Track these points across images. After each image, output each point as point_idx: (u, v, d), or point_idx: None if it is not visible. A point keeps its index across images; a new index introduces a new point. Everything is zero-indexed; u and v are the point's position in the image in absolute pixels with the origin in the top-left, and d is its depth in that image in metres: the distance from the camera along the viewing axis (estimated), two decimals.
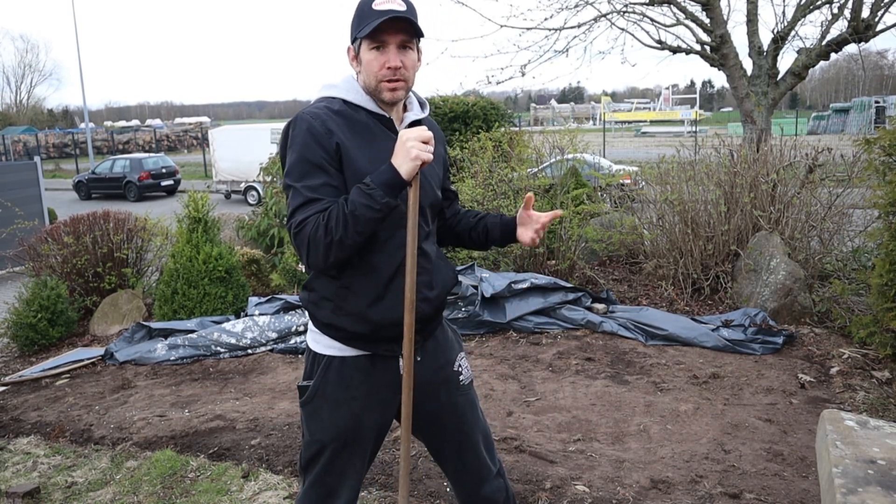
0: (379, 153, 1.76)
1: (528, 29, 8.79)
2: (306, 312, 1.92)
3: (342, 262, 1.74)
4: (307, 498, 1.94)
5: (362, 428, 1.88)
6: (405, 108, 1.93)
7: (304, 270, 6.44)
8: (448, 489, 2.91)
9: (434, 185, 1.92)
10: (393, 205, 1.68)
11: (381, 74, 1.78)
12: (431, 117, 2.03)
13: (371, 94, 1.83)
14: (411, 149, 1.67)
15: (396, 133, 1.78)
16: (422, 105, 1.98)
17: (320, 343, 1.88)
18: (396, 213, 1.75)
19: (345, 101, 1.83)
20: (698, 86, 58.42)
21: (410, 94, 1.95)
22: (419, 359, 1.91)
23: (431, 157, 1.69)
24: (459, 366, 2.03)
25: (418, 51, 1.86)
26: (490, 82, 8.89)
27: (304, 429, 1.92)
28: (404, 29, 1.76)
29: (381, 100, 1.83)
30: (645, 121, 43.59)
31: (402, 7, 1.76)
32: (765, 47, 8.28)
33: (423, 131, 1.71)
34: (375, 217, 1.67)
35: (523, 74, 8.89)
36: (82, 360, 5.21)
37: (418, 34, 1.81)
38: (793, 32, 8.22)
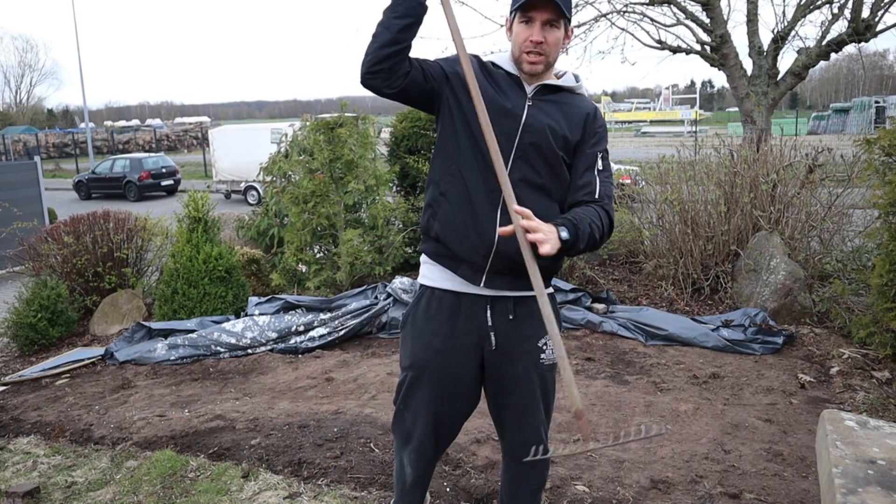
0: (494, 98, 1.95)
1: None
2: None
3: (386, 69, 1.88)
4: (393, 429, 2.21)
5: (437, 365, 2.04)
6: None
7: (303, 270, 6.44)
8: (448, 489, 2.91)
9: (550, 136, 1.97)
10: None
11: (524, 46, 1.95)
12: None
13: (515, 62, 2.00)
14: None
15: (524, 91, 2.00)
16: (576, 78, 2.10)
17: (422, 273, 2.11)
18: (503, 133, 1.92)
19: (493, 62, 2.05)
20: (698, 86, 58.44)
21: (568, 72, 2.11)
22: (511, 317, 2.03)
23: None
24: (545, 344, 2.09)
25: (566, 30, 2.01)
26: None
27: (400, 357, 2.16)
28: (552, 8, 1.91)
29: (521, 70, 2.00)
30: (645, 121, 43.61)
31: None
32: (765, 47, 8.28)
33: None
34: (394, 13, 1.87)
35: None
36: (82, 360, 5.21)
37: (566, 15, 1.95)
38: (793, 32, 8.23)
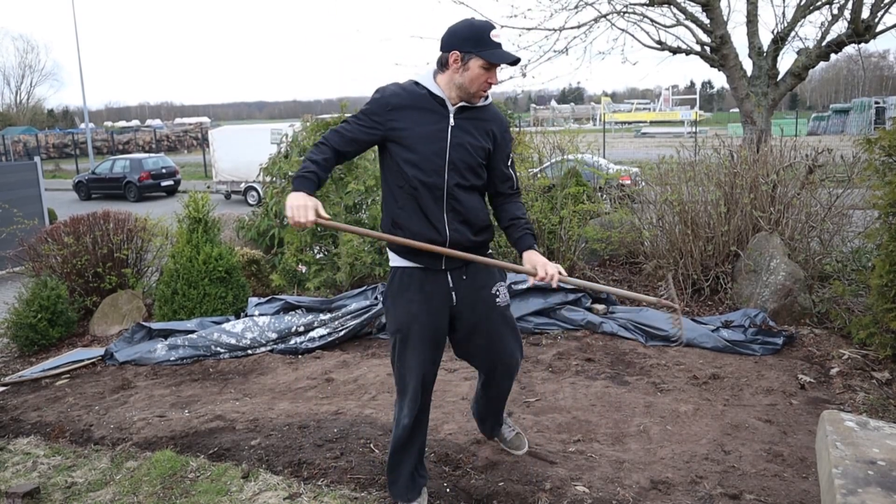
0: (425, 126, 2.43)
1: (528, 29, 8.80)
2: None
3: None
4: (396, 385, 2.68)
5: (417, 325, 2.54)
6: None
7: (303, 271, 6.44)
8: (448, 489, 2.91)
9: (473, 152, 2.48)
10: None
11: (482, 86, 2.42)
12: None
13: (461, 91, 2.43)
14: (292, 208, 2.33)
15: (447, 111, 2.45)
16: (486, 98, 2.55)
17: (392, 259, 2.59)
18: (432, 164, 2.43)
19: (415, 81, 2.47)
20: (698, 86, 58.44)
21: None
22: (464, 277, 2.59)
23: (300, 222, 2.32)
24: (497, 290, 2.66)
25: None
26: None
27: (387, 327, 2.71)
28: (509, 62, 2.41)
29: (471, 99, 2.45)
30: (645, 121, 43.60)
31: (514, 55, 2.39)
32: (765, 48, 8.28)
33: (294, 211, 2.32)
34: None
35: (524, 75, 8.90)
36: (82, 361, 5.21)
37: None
38: (793, 33, 8.23)
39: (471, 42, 2.36)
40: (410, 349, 2.57)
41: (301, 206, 2.30)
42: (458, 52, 2.38)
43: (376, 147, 2.57)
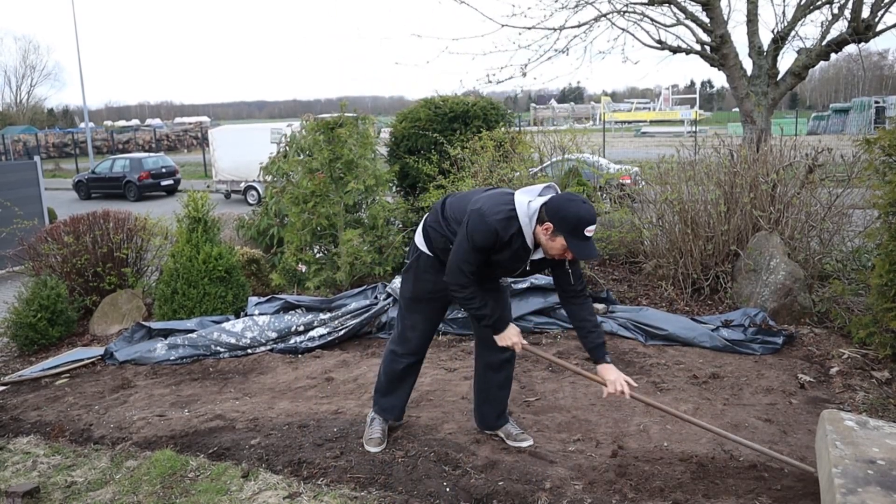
0: (504, 256, 2.90)
1: (528, 28, 8.78)
2: (422, 230, 3.16)
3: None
4: (395, 333, 3.33)
5: (427, 296, 3.16)
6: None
7: (303, 270, 6.44)
8: (448, 489, 2.91)
9: (532, 273, 3.07)
10: (485, 324, 3.04)
11: (559, 255, 2.81)
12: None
13: (543, 247, 2.85)
14: (511, 338, 3.02)
15: (528, 255, 2.90)
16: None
17: (419, 243, 3.15)
18: (497, 273, 3.04)
19: (522, 232, 2.83)
20: (698, 86, 58.38)
21: None
22: None
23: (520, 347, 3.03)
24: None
25: None
26: (490, 81, 8.87)
27: (401, 290, 3.29)
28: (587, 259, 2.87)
29: (544, 251, 2.86)
30: (645, 121, 43.54)
31: (597, 252, 2.78)
32: (765, 47, 8.27)
33: (515, 337, 3.04)
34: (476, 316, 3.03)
35: (524, 75, 8.88)
36: (82, 360, 5.21)
37: None
38: (793, 32, 8.21)
39: (568, 227, 2.70)
40: (420, 310, 3.19)
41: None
42: (551, 225, 2.74)
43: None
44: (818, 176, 5.72)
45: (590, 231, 2.69)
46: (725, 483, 2.90)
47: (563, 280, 2.98)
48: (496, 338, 3.01)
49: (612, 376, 2.92)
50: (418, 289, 3.15)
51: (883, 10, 7.60)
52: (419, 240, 3.14)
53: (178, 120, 68.92)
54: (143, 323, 5.46)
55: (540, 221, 2.78)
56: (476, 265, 2.86)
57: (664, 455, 3.17)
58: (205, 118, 69.67)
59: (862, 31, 7.63)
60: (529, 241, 2.82)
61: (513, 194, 2.88)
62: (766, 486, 2.86)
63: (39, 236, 6.81)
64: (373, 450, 3.26)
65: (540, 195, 2.85)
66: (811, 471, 2.74)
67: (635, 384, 2.92)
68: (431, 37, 9.73)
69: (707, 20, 8.24)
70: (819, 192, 5.73)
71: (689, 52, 8.63)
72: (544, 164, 7.25)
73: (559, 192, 2.88)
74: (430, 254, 3.09)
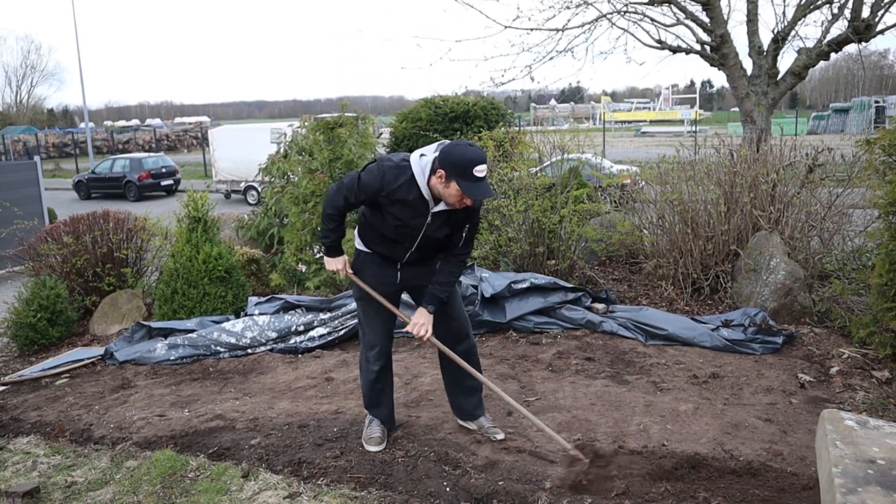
0: (405, 212, 2.97)
1: (531, 30, 8.79)
2: (357, 231, 3.29)
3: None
4: (362, 342, 3.38)
5: (378, 292, 3.20)
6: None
7: (303, 271, 6.44)
8: (448, 489, 2.91)
9: (440, 235, 3.07)
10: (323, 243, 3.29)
11: (459, 202, 2.89)
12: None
13: (440, 197, 2.92)
14: (335, 265, 3.27)
15: (428, 208, 2.97)
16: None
17: (358, 244, 3.27)
18: (408, 233, 3.05)
19: (412, 176, 2.91)
20: (698, 86, 58.37)
21: None
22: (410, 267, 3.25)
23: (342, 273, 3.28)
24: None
25: None
26: (494, 83, 8.89)
27: (353, 293, 3.42)
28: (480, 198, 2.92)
29: (446, 201, 2.93)
30: (645, 121, 43.53)
31: (490, 191, 2.90)
32: (765, 47, 8.28)
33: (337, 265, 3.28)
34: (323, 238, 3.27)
35: (532, 79, 8.90)
36: (82, 360, 5.21)
37: None
38: (793, 32, 8.22)
39: (458, 170, 2.79)
40: (372, 310, 3.29)
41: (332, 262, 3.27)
42: (443, 172, 2.82)
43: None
44: (818, 176, 5.71)
45: (479, 171, 2.78)
46: (725, 481, 2.90)
47: (455, 241, 3.11)
48: (325, 259, 3.27)
49: (420, 319, 3.12)
50: (365, 286, 3.25)
51: (883, 9, 7.60)
52: (356, 241, 3.28)
53: (178, 120, 68.88)
54: (143, 323, 5.46)
55: (433, 171, 2.87)
56: (354, 202, 3.01)
57: (664, 454, 3.16)
58: (205, 118, 69.63)
59: (862, 30, 7.64)
60: (425, 191, 2.91)
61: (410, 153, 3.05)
62: (765, 484, 2.86)
63: (39, 236, 6.81)
64: (373, 449, 3.27)
65: (435, 152, 2.93)
66: (567, 446, 3.06)
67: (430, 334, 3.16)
68: (434, 39, 9.76)
69: (707, 20, 8.24)
70: (819, 191, 5.73)
71: (689, 51, 8.63)
72: (544, 164, 7.25)
73: None
74: (366, 250, 3.23)
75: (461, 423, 3.48)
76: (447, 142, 2.97)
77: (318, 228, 6.30)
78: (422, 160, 2.92)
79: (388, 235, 3.08)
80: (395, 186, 2.89)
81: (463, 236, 3.10)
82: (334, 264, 3.23)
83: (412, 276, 3.25)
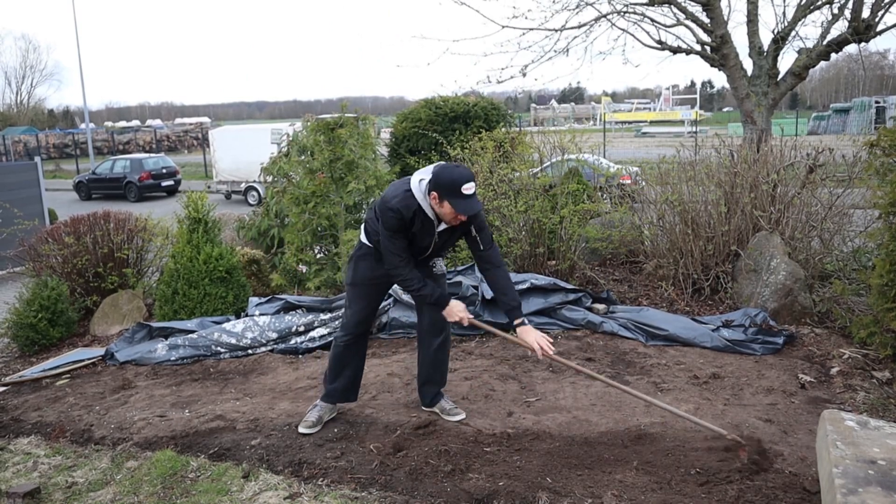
0: (419, 234, 3.26)
1: (529, 30, 8.79)
2: (363, 226, 3.49)
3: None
4: (342, 323, 3.65)
5: (365, 281, 3.47)
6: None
7: (304, 271, 6.44)
8: (448, 489, 2.91)
9: (448, 244, 3.48)
10: (428, 301, 3.39)
11: (453, 219, 3.16)
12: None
13: (440, 216, 3.20)
14: (457, 313, 3.36)
15: (434, 228, 3.26)
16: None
17: (362, 237, 3.47)
18: (417, 250, 3.35)
19: (421, 209, 3.19)
20: (698, 86, 58.31)
21: None
22: None
23: (466, 321, 3.38)
24: (434, 262, 3.52)
25: None
26: (491, 81, 8.89)
27: (345, 277, 3.75)
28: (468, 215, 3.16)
29: (444, 219, 3.21)
30: (645, 121, 43.51)
31: (478, 206, 3.13)
32: (765, 47, 8.27)
33: (461, 313, 3.38)
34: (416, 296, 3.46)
35: (524, 75, 8.89)
36: (82, 361, 5.21)
37: None
38: (793, 32, 8.21)
39: (447, 190, 3.05)
40: (359, 296, 3.51)
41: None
42: (436, 194, 3.09)
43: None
44: (819, 176, 5.71)
45: (467, 189, 3.03)
46: (725, 480, 2.90)
47: (474, 246, 3.33)
48: (444, 313, 3.35)
49: (533, 336, 3.24)
50: (357, 275, 3.48)
51: (883, 10, 7.60)
52: (361, 234, 3.50)
53: (178, 120, 68.89)
54: (144, 323, 5.46)
55: (428, 193, 3.13)
56: (401, 246, 3.22)
57: (664, 454, 3.16)
58: (205, 119, 69.66)
59: (862, 31, 7.63)
60: (430, 213, 3.18)
61: (411, 177, 3.25)
62: (766, 484, 2.86)
63: (40, 237, 6.81)
64: (302, 431, 3.49)
65: (429, 175, 3.15)
66: (723, 433, 3.08)
67: (552, 347, 3.28)
68: (433, 38, 9.75)
69: (707, 20, 8.24)
70: (820, 192, 5.73)
71: (689, 52, 8.63)
72: (544, 165, 7.25)
73: None
74: (369, 244, 3.41)
75: (426, 409, 3.69)
76: (442, 163, 3.24)
77: (318, 228, 6.32)
78: (420, 185, 3.17)
79: (402, 250, 3.31)
80: (410, 216, 3.16)
81: (476, 239, 3.30)
82: (455, 313, 3.34)
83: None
